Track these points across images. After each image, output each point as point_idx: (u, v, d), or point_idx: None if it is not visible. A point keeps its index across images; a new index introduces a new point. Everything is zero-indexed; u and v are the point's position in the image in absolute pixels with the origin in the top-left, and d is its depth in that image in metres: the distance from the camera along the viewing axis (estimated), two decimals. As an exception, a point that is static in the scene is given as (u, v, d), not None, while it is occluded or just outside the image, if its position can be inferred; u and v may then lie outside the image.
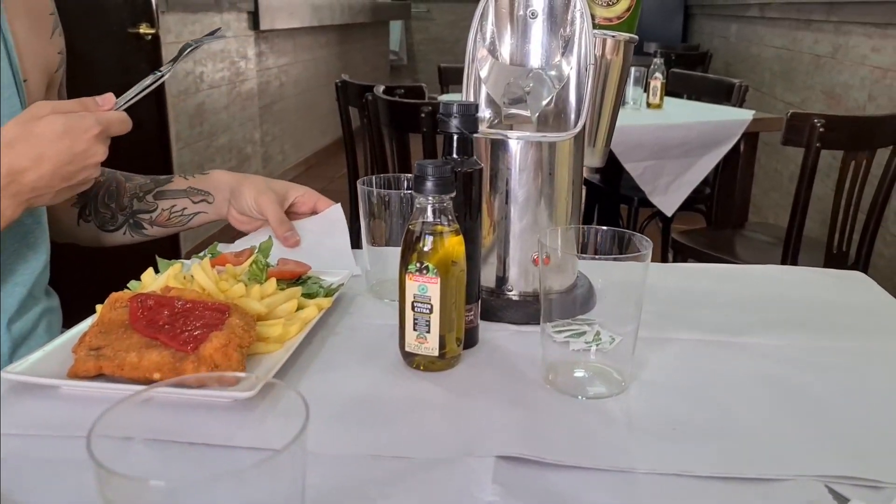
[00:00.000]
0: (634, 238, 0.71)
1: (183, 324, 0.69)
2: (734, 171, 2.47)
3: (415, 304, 0.71)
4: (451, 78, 3.23)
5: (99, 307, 0.75)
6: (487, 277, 0.87)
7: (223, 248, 1.02)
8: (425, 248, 0.69)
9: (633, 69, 2.54)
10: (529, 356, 0.77)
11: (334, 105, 2.64)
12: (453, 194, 0.70)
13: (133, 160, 2.42)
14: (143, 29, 2.49)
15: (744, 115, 2.39)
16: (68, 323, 1.09)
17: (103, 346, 0.68)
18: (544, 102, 0.86)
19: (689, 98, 3.01)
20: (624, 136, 2.14)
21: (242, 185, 1.00)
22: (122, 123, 0.77)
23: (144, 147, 2.60)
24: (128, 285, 0.83)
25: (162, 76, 0.85)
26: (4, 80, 0.85)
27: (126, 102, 0.81)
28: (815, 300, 0.93)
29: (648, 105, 2.59)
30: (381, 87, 2.23)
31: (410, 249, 0.70)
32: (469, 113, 0.73)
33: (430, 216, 0.69)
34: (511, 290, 0.86)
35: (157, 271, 0.88)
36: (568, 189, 0.86)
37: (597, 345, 0.75)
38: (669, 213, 2.42)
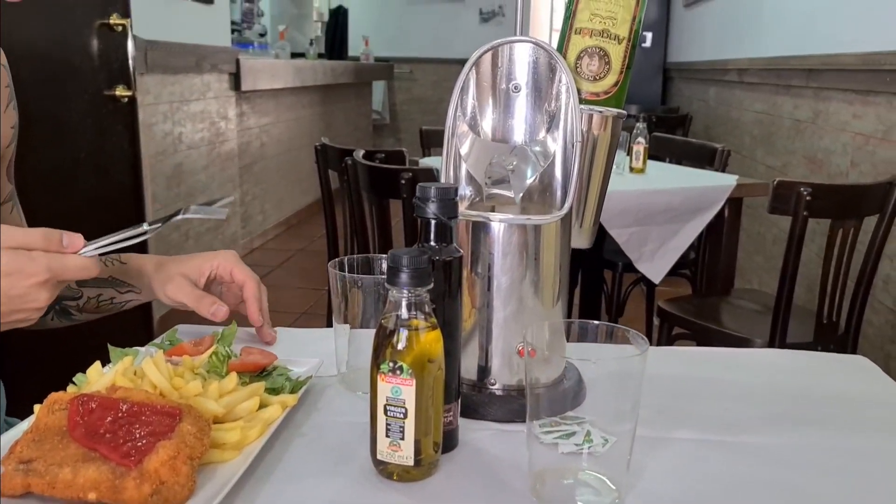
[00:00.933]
0: (629, 335, 0.65)
1: (127, 432, 0.61)
2: (719, 237, 2.43)
3: (387, 408, 0.64)
4: (433, 140, 3.21)
5: (38, 408, 0.67)
6: (468, 369, 0.80)
7: (185, 331, 0.95)
8: (399, 346, 0.63)
9: (615, 134, 2.52)
10: (514, 460, 0.70)
11: (316, 165, 2.59)
12: (430, 286, 0.64)
13: (105, 223, 2.34)
14: (120, 91, 2.44)
15: (727, 181, 2.37)
16: (16, 410, 1.01)
17: (35, 458, 0.60)
18: (528, 181, 0.81)
19: (671, 162, 3.00)
20: (608, 201, 2.09)
21: (153, 281, 0.95)
22: (81, 270, 0.70)
23: (117, 209, 2.53)
24: (73, 380, 0.75)
25: (147, 233, 0.77)
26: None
27: (96, 249, 0.72)
28: (820, 391, 0.87)
29: (631, 169, 2.57)
30: (361, 152, 2.19)
31: (383, 346, 0.64)
32: (448, 197, 0.67)
33: (404, 311, 0.63)
34: (494, 384, 0.80)
35: (108, 361, 0.80)
36: (555, 274, 0.80)
37: (588, 446, 0.68)
38: (657, 281, 2.37)
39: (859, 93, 2.45)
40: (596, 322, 0.67)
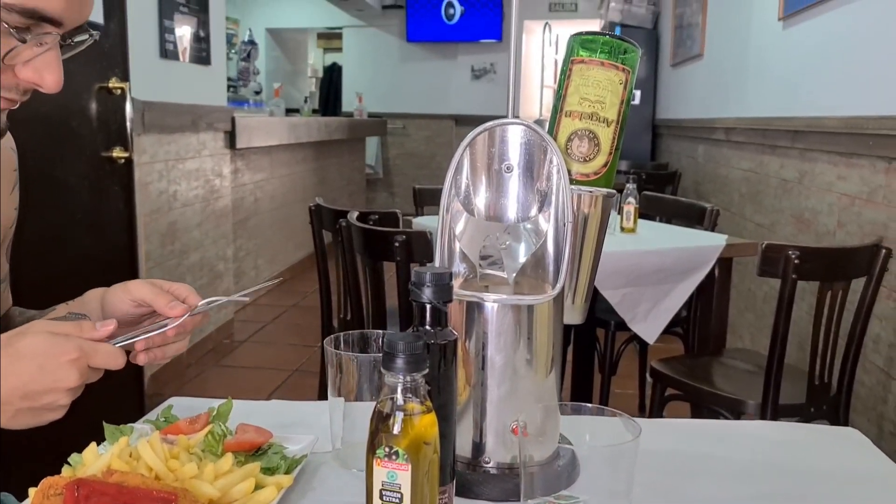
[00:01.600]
0: (621, 420, 0.66)
1: (122, 519, 0.61)
2: (710, 296, 2.45)
3: (383, 493, 0.64)
4: (426, 199, 3.24)
5: (32, 492, 0.67)
6: (463, 446, 0.80)
7: (179, 404, 0.96)
8: (395, 431, 0.64)
9: (606, 194, 2.55)
10: (509, 543, 0.70)
11: (308, 216, 2.62)
12: (426, 371, 0.65)
13: (99, 283, 2.35)
14: (117, 153, 2.47)
15: (717, 241, 2.40)
16: (7, 482, 1.00)
17: (30, 546, 0.60)
18: (521, 261, 0.82)
19: (662, 220, 3.04)
20: (600, 262, 2.13)
21: (109, 293, 0.91)
22: (109, 356, 0.72)
23: (112, 269, 2.54)
24: (68, 460, 0.75)
25: (169, 326, 0.80)
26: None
27: (125, 341, 0.76)
28: (812, 466, 0.87)
29: (622, 229, 2.60)
30: (355, 214, 2.22)
31: (378, 431, 0.64)
32: (443, 283, 0.69)
33: (399, 396, 0.64)
34: (488, 462, 0.80)
35: (103, 439, 0.81)
36: (548, 351, 0.81)
37: (582, 527, 0.69)
38: (651, 341, 2.38)
39: (843, 155, 2.50)
40: (589, 405, 0.68)
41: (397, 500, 0.64)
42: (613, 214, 2.59)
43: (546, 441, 0.76)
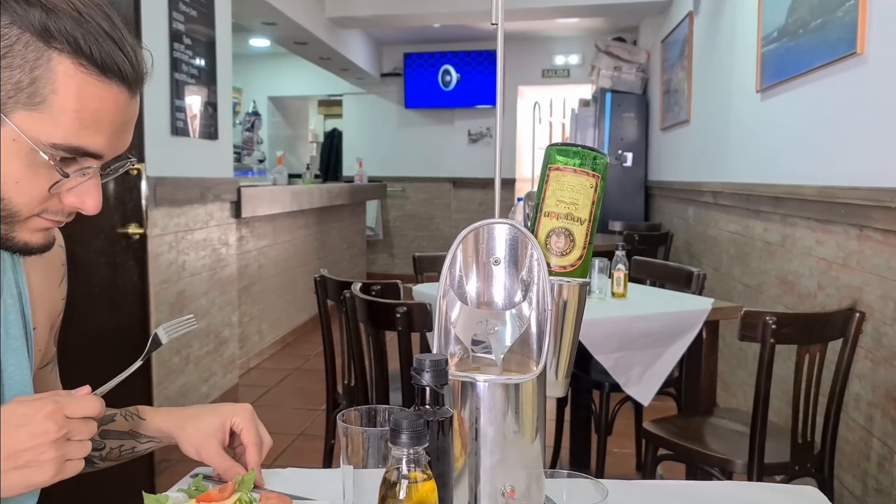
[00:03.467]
0: (592, 484, 0.77)
1: (170, 577, 0.72)
2: (699, 358, 2.56)
3: (391, 551, 0.75)
4: (426, 266, 3.38)
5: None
6: (460, 510, 0.91)
7: (206, 472, 1.06)
8: (400, 497, 0.75)
9: (596, 260, 2.69)
10: None
11: (311, 282, 2.74)
12: (426, 444, 0.76)
13: (115, 355, 2.46)
14: (132, 229, 2.62)
15: (703, 304, 2.52)
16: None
17: None
18: (508, 345, 0.94)
19: (652, 284, 3.16)
20: (592, 327, 2.25)
21: (181, 438, 1.05)
22: (85, 402, 0.77)
23: (126, 340, 2.65)
24: (114, 527, 0.86)
25: (137, 365, 0.92)
26: (14, 332, 0.92)
27: (101, 391, 0.85)
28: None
29: (613, 294, 2.72)
30: (358, 285, 2.34)
31: (386, 497, 0.75)
32: (440, 368, 0.81)
33: (404, 467, 0.75)
34: (482, 524, 0.91)
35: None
36: (533, 423, 0.93)
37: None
38: (646, 403, 2.48)
39: (820, 221, 2.64)
40: (565, 471, 0.79)
41: (403, 558, 0.75)
42: (604, 279, 2.72)
43: (532, 503, 0.87)
